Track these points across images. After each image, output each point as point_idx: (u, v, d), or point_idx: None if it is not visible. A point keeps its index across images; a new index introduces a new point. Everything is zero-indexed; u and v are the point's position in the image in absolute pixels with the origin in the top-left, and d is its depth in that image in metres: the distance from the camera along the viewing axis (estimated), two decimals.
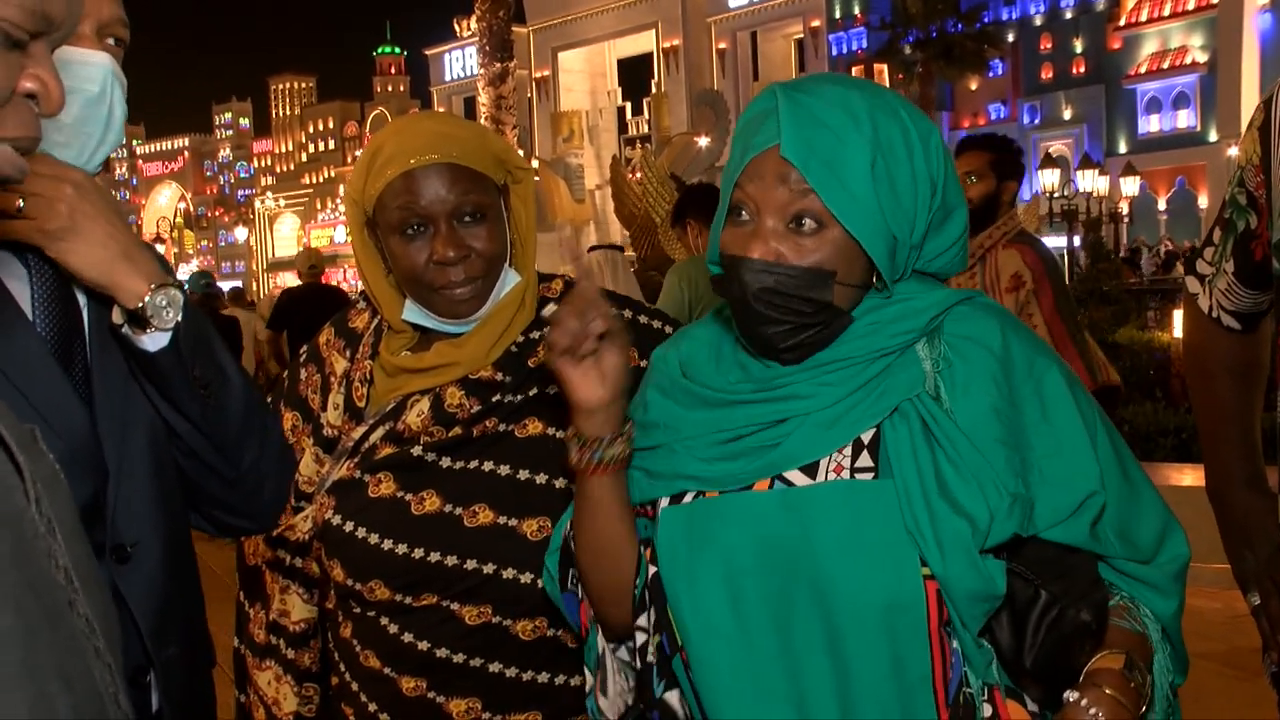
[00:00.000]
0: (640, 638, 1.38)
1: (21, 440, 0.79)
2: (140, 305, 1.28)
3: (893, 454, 1.27)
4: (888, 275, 1.32)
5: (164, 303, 1.29)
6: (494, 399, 1.67)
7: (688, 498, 1.35)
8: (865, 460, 1.29)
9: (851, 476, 1.29)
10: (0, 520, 0.72)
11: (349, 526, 1.65)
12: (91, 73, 1.31)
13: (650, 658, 1.37)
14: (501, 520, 1.62)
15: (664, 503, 1.37)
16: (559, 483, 1.62)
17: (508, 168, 1.72)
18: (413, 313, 1.70)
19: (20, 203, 1.23)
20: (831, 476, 1.29)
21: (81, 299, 1.37)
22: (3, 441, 0.77)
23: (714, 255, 1.37)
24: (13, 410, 0.82)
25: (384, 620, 1.65)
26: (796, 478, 1.30)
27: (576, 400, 1.35)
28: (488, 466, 1.64)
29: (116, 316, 1.31)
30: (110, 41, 1.35)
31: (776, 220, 1.28)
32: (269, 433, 1.49)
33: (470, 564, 1.61)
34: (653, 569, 1.36)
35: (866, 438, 1.30)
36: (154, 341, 1.30)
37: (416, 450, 1.66)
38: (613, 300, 1.77)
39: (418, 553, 1.61)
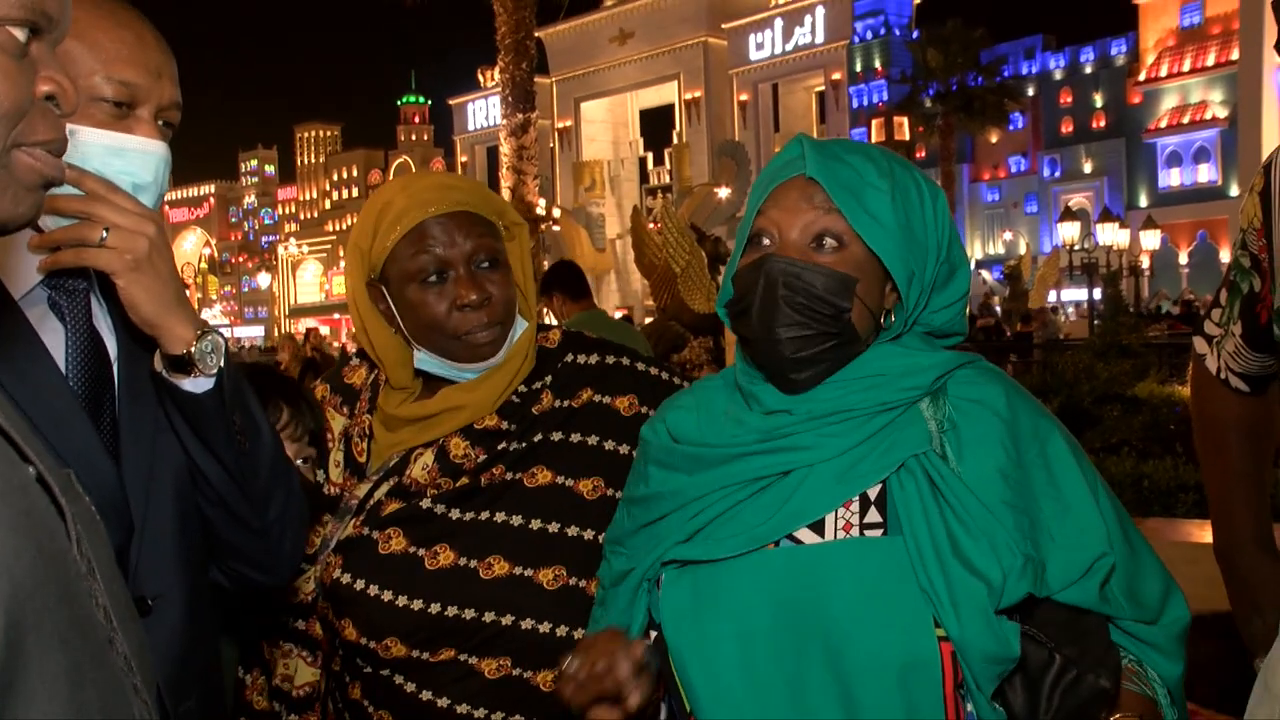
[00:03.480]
0: None
1: (61, 483, 0.82)
2: (188, 351, 1.31)
3: (902, 511, 1.28)
4: (905, 300, 1.34)
5: (209, 348, 1.32)
6: (499, 447, 1.68)
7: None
8: (874, 516, 1.30)
9: (861, 533, 1.29)
10: (47, 561, 0.73)
11: (360, 584, 1.65)
12: (149, 161, 1.35)
13: None
14: (517, 570, 1.62)
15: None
16: (571, 530, 1.63)
17: (504, 222, 1.75)
18: (426, 362, 1.70)
19: (104, 232, 1.27)
20: (841, 534, 1.29)
21: (112, 353, 1.40)
22: (45, 483, 0.80)
23: (726, 296, 1.39)
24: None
25: (399, 679, 1.64)
26: (804, 535, 1.30)
27: None
28: (500, 517, 1.65)
29: (157, 363, 1.34)
30: (161, 124, 1.38)
31: (800, 237, 1.32)
32: (293, 485, 1.51)
33: (489, 616, 1.61)
34: (653, 633, 1.36)
35: (873, 493, 1.30)
36: (198, 385, 1.33)
37: (425, 503, 1.66)
38: (612, 350, 1.79)
39: (434, 608, 1.61)
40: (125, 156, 1.33)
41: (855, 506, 1.30)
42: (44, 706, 0.69)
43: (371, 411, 1.78)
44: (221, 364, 1.34)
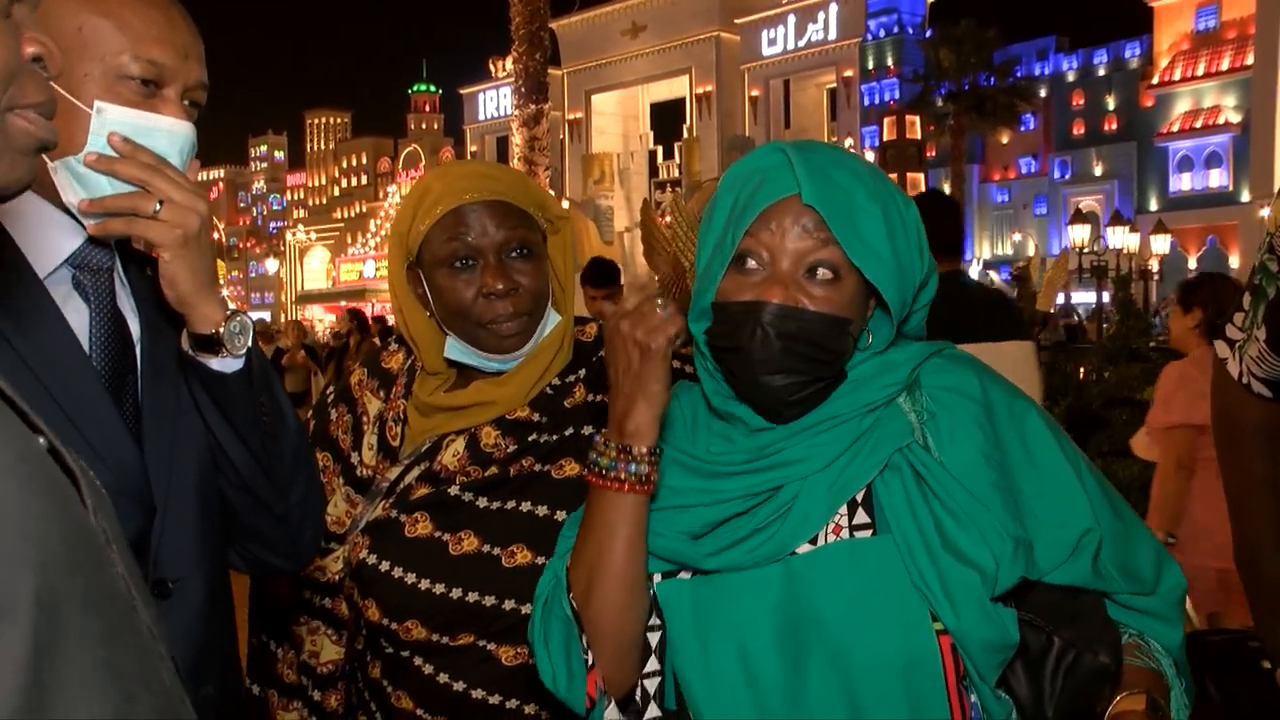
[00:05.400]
0: (651, 684, 1.37)
1: (71, 455, 0.82)
2: (217, 331, 1.32)
3: (888, 509, 1.26)
4: (893, 327, 1.32)
5: (237, 329, 1.33)
6: (530, 439, 1.69)
7: (684, 573, 1.33)
8: (862, 517, 1.28)
9: (851, 535, 1.28)
10: (68, 525, 0.72)
11: (385, 566, 1.66)
12: (176, 141, 1.35)
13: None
14: (539, 561, 1.61)
15: (657, 576, 1.34)
16: None
17: (547, 215, 1.76)
18: (455, 350, 1.72)
19: (158, 205, 1.27)
20: (831, 538, 1.28)
21: (135, 334, 1.40)
22: (56, 454, 0.79)
23: (701, 307, 1.33)
24: (65, 443, 0.84)
25: (418, 660, 1.66)
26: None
27: (653, 392, 1.26)
28: (525, 507, 1.65)
29: (185, 342, 1.34)
30: (187, 104, 1.38)
31: (793, 268, 1.28)
32: (314, 474, 1.51)
33: (509, 604, 1.61)
34: (654, 636, 1.34)
35: (859, 494, 1.29)
36: (227, 365, 1.34)
37: (453, 490, 1.67)
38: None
39: (456, 592, 1.62)
40: (152, 136, 1.32)
41: (843, 509, 1.29)
42: (86, 672, 0.68)
43: (407, 396, 1.79)
44: (250, 345, 1.34)
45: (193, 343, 1.33)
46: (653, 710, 1.35)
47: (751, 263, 1.29)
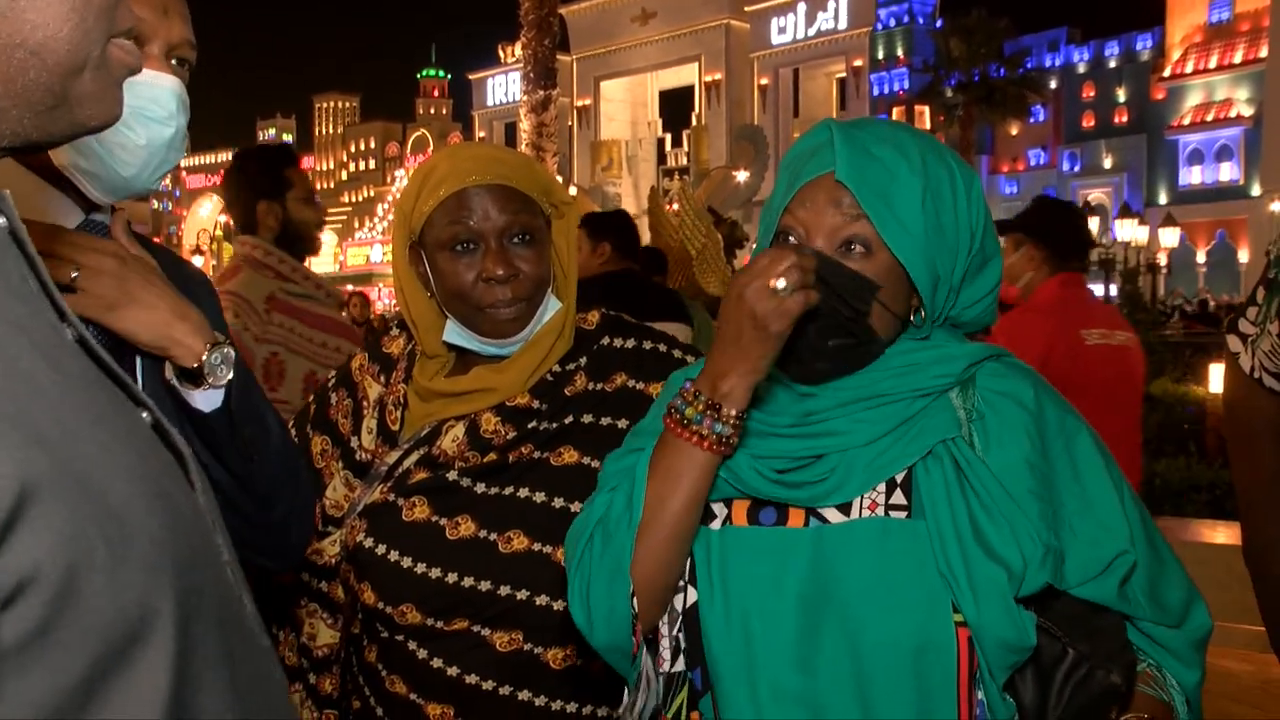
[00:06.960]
0: (665, 653, 1.38)
1: (175, 433, 0.78)
2: (198, 365, 1.28)
3: (925, 494, 1.27)
4: (929, 307, 1.32)
5: (219, 360, 1.29)
6: (529, 426, 1.68)
7: (714, 524, 1.34)
8: (899, 498, 1.29)
9: (886, 514, 1.29)
10: (184, 510, 0.69)
11: (381, 549, 1.66)
12: (160, 95, 1.32)
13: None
14: (536, 547, 1.62)
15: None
16: None
17: (552, 200, 1.75)
18: (454, 334, 1.72)
19: (74, 274, 1.22)
20: (865, 514, 1.29)
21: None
22: (161, 430, 0.76)
23: None
24: None
25: (412, 645, 1.66)
26: (830, 514, 1.30)
27: (757, 366, 1.24)
28: (523, 493, 1.65)
29: (168, 372, 1.31)
30: (175, 63, 1.35)
31: (826, 243, 1.29)
32: (300, 478, 1.49)
33: (504, 590, 1.61)
34: (692, 596, 1.35)
35: (900, 476, 1.30)
36: (207, 401, 1.30)
37: (451, 475, 1.67)
38: (650, 336, 1.79)
39: (451, 577, 1.62)
40: (134, 90, 1.28)
41: (882, 488, 1.30)
42: (215, 690, 0.66)
43: (407, 381, 1.79)
44: (230, 377, 1.31)
45: (176, 373, 1.30)
46: (676, 664, 1.36)
47: (791, 239, 1.32)
